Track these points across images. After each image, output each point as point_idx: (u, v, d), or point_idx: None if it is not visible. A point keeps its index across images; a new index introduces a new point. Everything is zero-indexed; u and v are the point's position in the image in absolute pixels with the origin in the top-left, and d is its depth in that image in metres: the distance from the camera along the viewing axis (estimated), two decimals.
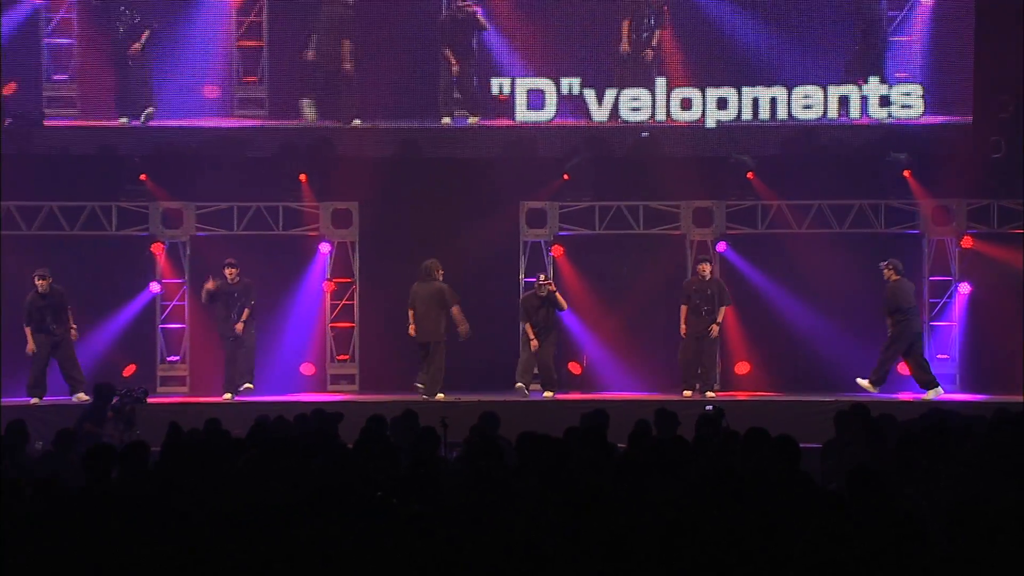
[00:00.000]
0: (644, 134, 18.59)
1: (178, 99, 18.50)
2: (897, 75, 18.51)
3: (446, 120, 18.62)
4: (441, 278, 17.38)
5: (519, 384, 17.43)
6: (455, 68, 18.47)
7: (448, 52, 18.47)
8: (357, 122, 18.64)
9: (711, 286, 17.74)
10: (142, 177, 18.72)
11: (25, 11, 18.48)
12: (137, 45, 18.27)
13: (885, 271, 17.43)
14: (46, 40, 18.62)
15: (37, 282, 17.23)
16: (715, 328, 17.64)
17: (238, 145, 18.70)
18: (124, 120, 18.47)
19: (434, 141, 18.74)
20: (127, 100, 18.49)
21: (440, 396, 17.11)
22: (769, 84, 18.46)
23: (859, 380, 17.30)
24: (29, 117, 18.29)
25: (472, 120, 18.65)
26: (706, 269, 17.78)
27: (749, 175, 18.88)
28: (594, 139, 18.72)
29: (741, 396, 18.05)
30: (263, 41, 18.87)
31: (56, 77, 18.66)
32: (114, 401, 14.05)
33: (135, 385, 14.92)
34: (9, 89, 18.27)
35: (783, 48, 18.49)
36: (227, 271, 17.76)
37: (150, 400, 17.50)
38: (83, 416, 14.00)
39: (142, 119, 18.43)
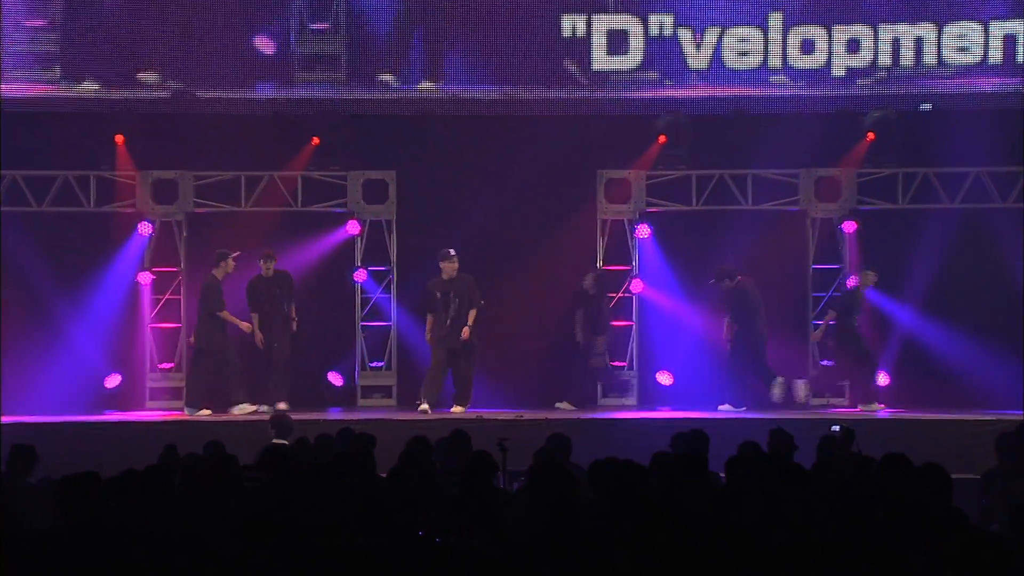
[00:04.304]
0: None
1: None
2: None
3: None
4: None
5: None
6: None
7: None
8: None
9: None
10: (117, 139, 18.74)
11: None
12: None
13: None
14: None
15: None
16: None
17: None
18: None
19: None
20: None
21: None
22: (914, 21, 18.29)
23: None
24: None
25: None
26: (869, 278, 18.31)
27: (869, 136, 18.74)
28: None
29: (876, 413, 17.92)
30: None
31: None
32: None
33: None
34: None
35: None
36: (263, 263, 18.15)
37: (138, 417, 17.74)
38: None
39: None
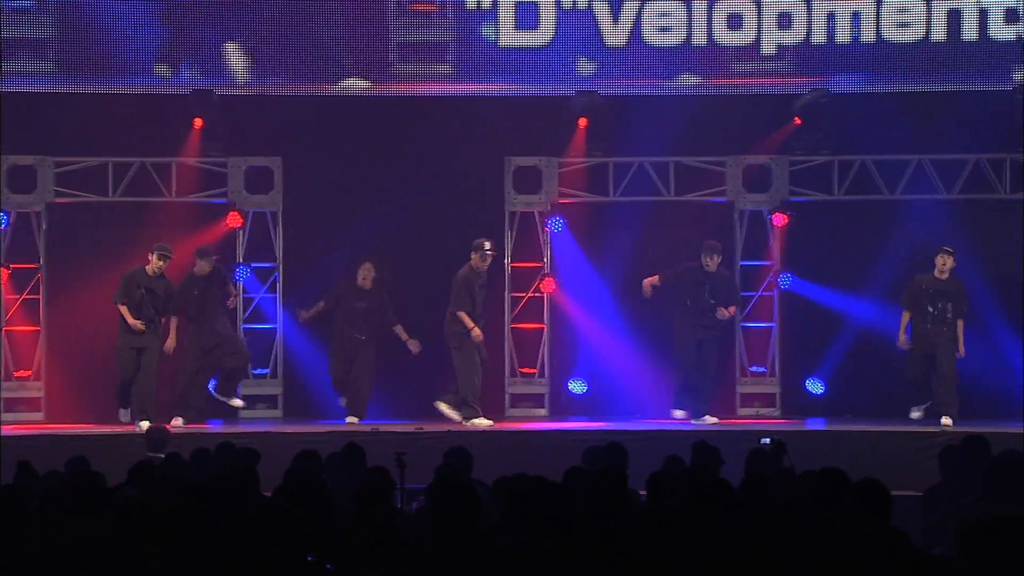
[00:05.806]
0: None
1: None
2: None
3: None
4: None
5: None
6: None
7: None
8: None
9: (950, 285, 17.89)
10: None
11: None
12: None
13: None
14: None
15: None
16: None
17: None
18: None
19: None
20: None
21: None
22: None
23: None
24: None
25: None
26: (947, 263, 17.87)
27: (795, 120, 18.84)
28: None
29: (810, 424, 18.07)
30: None
31: None
32: None
33: None
34: None
35: None
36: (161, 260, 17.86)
37: None
38: None
39: None
